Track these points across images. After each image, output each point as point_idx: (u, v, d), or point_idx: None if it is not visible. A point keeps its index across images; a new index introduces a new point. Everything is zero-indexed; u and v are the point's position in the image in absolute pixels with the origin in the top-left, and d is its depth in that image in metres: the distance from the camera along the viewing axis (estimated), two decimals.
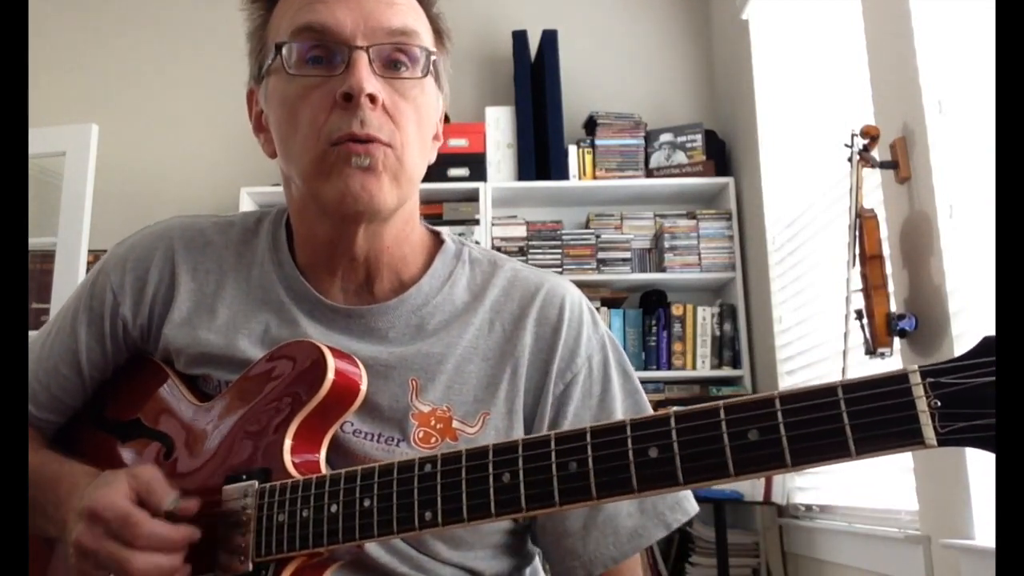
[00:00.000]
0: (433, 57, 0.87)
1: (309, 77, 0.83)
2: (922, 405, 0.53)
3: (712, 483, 0.59)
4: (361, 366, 0.84)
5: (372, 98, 0.81)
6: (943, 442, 0.53)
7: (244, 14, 0.91)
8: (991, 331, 0.54)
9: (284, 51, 0.83)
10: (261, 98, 0.90)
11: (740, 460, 0.57)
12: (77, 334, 0.94)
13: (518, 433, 0.87)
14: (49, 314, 2.78)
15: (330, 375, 0.80)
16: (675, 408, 0.61)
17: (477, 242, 3.19)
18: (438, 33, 0.90)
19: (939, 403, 0.53)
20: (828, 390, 0.56)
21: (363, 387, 0.83)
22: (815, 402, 0.56)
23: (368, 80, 0.80)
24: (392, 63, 0.84)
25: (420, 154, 0.87)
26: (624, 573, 0.87)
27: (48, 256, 2.87)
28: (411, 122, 0.85)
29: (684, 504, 0.88)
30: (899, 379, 0.54)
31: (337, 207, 0.83)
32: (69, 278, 2.78)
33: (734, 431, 0.58)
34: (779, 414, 0.57)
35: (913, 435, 0.53)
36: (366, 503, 0.70)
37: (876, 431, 0.54)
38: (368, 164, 0.81)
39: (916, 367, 0.54)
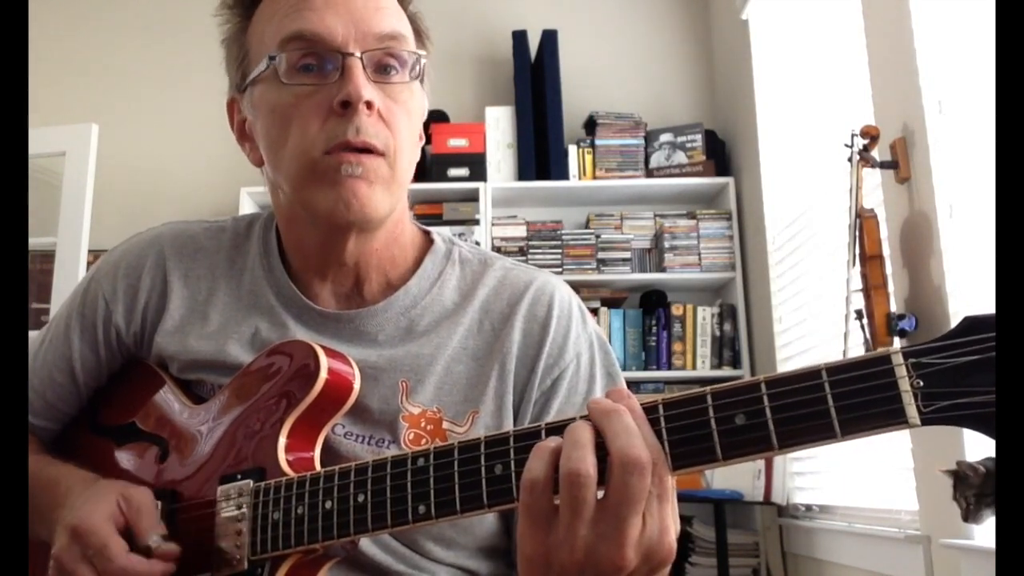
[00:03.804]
0: (423, 61, 0.87)
1: (302, 86, 0.82)
2: (905, 385, 0.54)
3: (701, 468, 0.60)
4: (354, 364, 0.84)
5: (369, 104, 0.80)
6: (927, 421, 0.53)
7: (220, 19, 0.89)
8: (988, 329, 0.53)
9: (276, 61, 0.82)
10: (246, 107, 0.89)
11: (728, 444, 0.58)
12: (71, 342, 0.94)
13: (509, 429, 0.87)
14: (49, 314, 2.78)
15: (323, 374, 0.80)
16: (663, 396, 0.61)
17: (477, 243, 3.20)
18: (418, 33, 0.90)
19: (921, 383, 0.54)
20: (812, 373, 0.57)
21: (356, 385, 0.83)
22: (800, 385, 0.57)
23: (366, 87, 0.80)
24: (383, 68, 0.84)
25: (411, 158, 0.87)
26: None
27: (48, 256, 2.87)
28: (404, 126, 0.85)
29: None
30: (882, 360, 0.55)
31: (328, 216, 0.82)
32: (69, 278, 2.78)
33: (721, 416, 0.58)
34: (765, 398, 0.57)
35: (897, 415, 0.54)
36: (360, 498, 0.71)
37: (860, 412, 0.55)
38: (360, 173, 0.81)
39: (899, 348, 0.55)
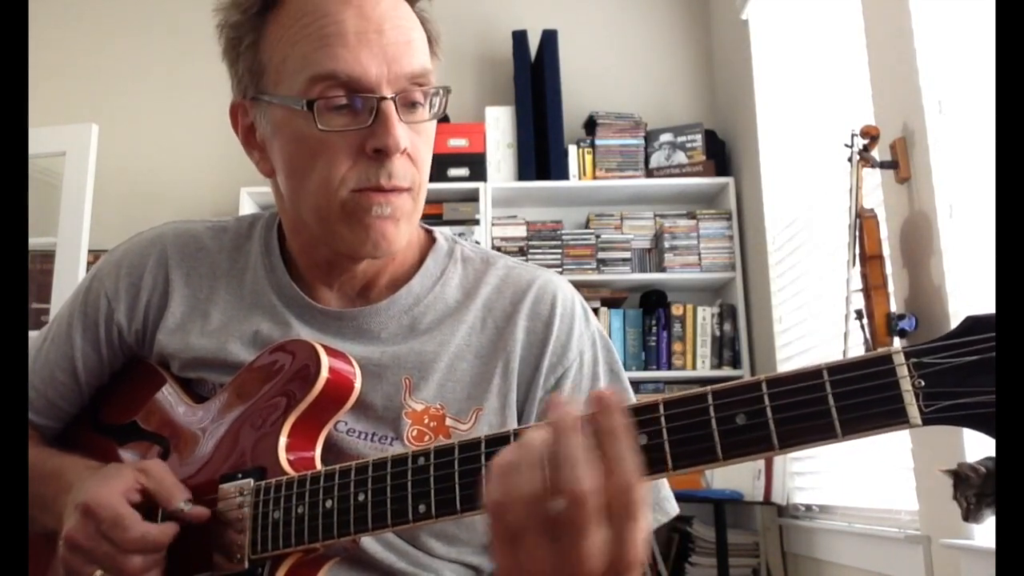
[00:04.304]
0: (447, 96, 0.86)
1: (335, 128, 0.79)
2: (906, 385, 0.54)
3: (701, 468, 0.60)
4: (355, 364, 0.84)
5: (402, 150, 0.80)
6: (928, 421, 0.53)
7: (219, 16, 0.86)
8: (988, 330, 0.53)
9: (312, 108, 0.79)
10: (259, 119, 0.86)
11: (728, 444, 0.58)
12: (73, 341, 0.95)
13: (512, 427, 0.86)
14: (49, 314, 2.79)
15: (324, 373, 0.81)
16: (663, 396, 0.61)
17: (477, 242, 3.20)
18: (430, 40, 0.88)
19: (923, 383, 0.53)
20: (813, 373, 0.57)
21: (357, 385, 0.83)
22: (801, 385, 0.57)
23: (403, 136, 0.80)
24: (411, 104, 0.83)
25: (427, 183, 0.87)
26: None
27: (48, 256, 2.88)
28: (427, 159, 0.86)
29: (665, 506, 0.89)
30: (883, 360, 0.55)
31: (351, 251, 0.84)
32: (69, 278, 2.78)
33: (722, 416, 0.58)
34: (766, 397, 0.57)
35: (898, 415, 0.54)
36: (360, 497, 0.71)
37: (861, 412, 0.55)
38: (389, 213, 0.81)
39: (900, 348, 0.55)
